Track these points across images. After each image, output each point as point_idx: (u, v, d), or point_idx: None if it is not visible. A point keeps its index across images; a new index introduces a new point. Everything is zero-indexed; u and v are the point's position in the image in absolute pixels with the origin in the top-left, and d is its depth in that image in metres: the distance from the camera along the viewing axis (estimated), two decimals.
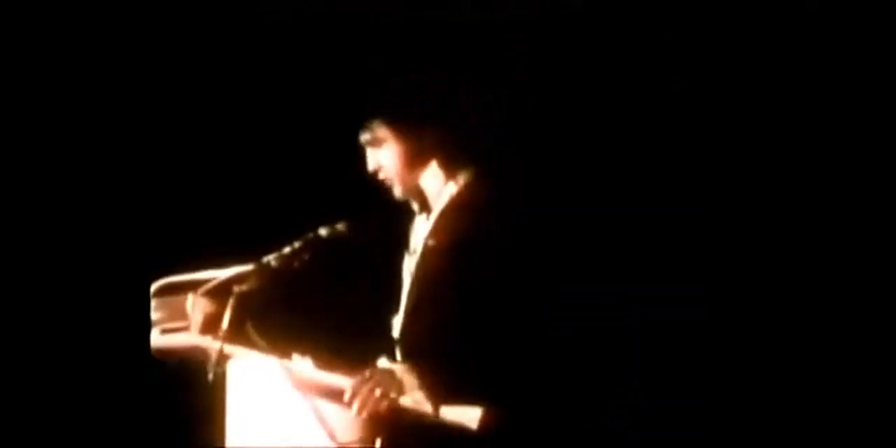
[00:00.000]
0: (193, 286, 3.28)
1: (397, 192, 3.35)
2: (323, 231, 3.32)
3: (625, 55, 4.33)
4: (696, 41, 4.26)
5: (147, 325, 3.29)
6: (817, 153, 4.16)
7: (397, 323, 3.33)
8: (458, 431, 3.09)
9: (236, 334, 3.24)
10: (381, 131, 3.31)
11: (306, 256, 3.29)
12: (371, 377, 3.11)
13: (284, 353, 3.27)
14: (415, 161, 3.31)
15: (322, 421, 3.18)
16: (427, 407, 3.09)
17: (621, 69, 4.34)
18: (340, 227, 3.33)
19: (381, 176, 3.34)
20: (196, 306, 3.28)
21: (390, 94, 3.35)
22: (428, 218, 3.35)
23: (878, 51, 4.09)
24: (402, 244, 3.40)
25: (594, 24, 4.33)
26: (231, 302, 3.21)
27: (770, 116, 4.22)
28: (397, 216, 3.48)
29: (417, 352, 3.24)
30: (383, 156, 3.32)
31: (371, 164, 3.35)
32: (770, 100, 4.22)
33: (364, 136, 3.34)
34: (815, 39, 4.15)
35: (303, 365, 3.24)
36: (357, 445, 3.18)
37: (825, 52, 4.14)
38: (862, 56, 4.10)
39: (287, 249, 3.29)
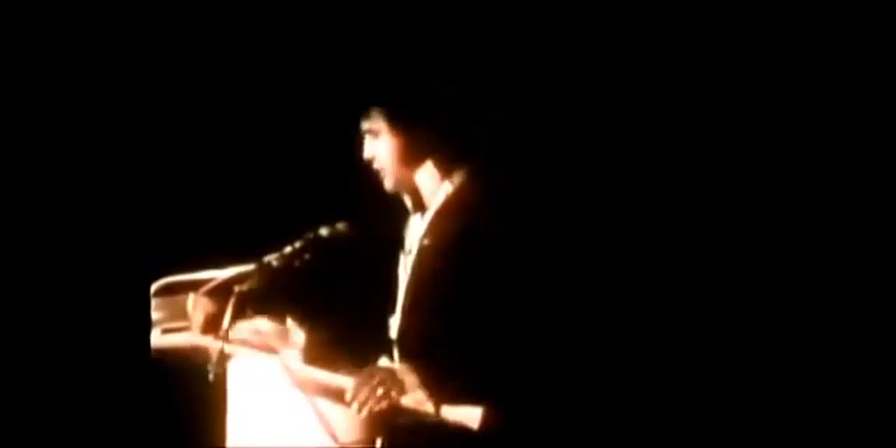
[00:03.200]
0: (194, 286, 3.29)
1: (388, 184, 3.35)
2: (323, 231, 3.32)
3: (625, 55, 4.33)
4: (696, 41, 4.26)
5: (147, 325, 3.29)
6: (817, 153, 4.16)
7: (394, 323, 3.33)
8: (458, 431, 3.09)
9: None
10: (378, 123, 3.32)
11: (307, 256, 3.29)
12: (372, 377, 3.11)
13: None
14: (407, 158, 3.32)
15: (323, 421, 3.18)
16: (428, 407, 3.10)
17: (621, 69, 4.33)
18: (340, 227, 3.33)
19: (375, 166, 3.36)
20: (197, 306, 3.28)
21: (390, 89, 3.36)
22: (422, 217, 3.36)
23: (878, 51, 4.09)
24: (398, 244, 3.40)
25: (594, 24, 4.33)
26: (232, 302, 3.21)
27: (770, 116, 4.22)
28: (397, 216, 3.48)
29: (415, 352, 3.24)
30: (379, 147, 3.34)
31: (366, 153, 3.36)
32: (770, 100, 4.21)
33: (363, 125, 3.35)
34: (814, 39, 4.15)
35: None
36: (358, 445, 3.18)
37: (825, 52, 4.14)
38: (862, 56, 4.10)
39: (288, 249, 3.30)
